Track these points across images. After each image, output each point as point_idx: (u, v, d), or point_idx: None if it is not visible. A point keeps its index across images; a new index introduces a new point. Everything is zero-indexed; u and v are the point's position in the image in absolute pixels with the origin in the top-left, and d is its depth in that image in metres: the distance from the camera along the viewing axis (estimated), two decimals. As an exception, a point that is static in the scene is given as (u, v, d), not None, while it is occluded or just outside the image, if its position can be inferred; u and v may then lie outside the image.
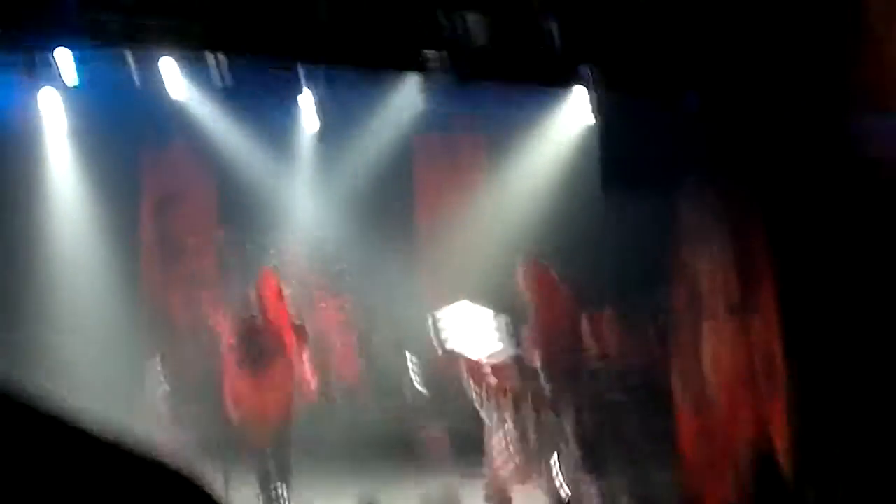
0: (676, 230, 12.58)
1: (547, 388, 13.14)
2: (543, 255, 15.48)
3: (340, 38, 10.91)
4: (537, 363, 13.27)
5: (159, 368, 15.74)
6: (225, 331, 13.66)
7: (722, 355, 12.24)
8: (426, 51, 10.94)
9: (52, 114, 15.06)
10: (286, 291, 13.47)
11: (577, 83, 11.65)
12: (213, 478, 10.19)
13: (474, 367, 13.60)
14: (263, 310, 13.05)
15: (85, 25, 11.51)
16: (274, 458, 13.00)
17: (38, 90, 14.43)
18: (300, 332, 13.11)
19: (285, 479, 12.90)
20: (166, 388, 15.77)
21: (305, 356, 12.99)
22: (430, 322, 14.13)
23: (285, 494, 11.64)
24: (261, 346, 12.99)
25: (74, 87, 13.92)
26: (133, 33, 11.37)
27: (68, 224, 16.29)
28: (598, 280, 15.15)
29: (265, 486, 12.90)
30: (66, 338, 16.08)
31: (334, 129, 14.78)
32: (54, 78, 13.65)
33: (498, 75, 11.00)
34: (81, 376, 15.68)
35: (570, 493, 12.57)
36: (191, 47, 12.19)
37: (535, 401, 13.25)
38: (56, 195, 16.24)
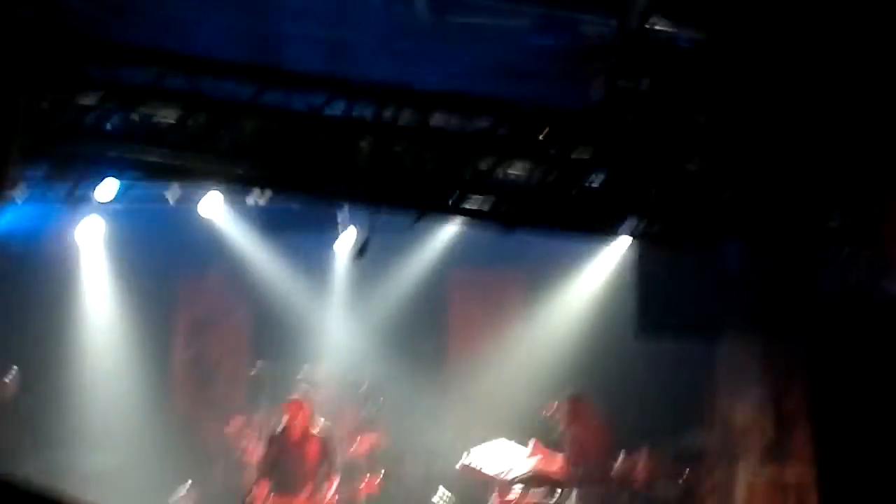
0: (713, 376, 12.55)
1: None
2: (576, 394, 15.52)
3: (383, 180, 10.94)
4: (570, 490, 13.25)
5: (188, 492, 15.69)
6: (254, 456, 13.63)
7: (755, 500, 12.16)
8: (470, 196, 10.96)
9: (93, 241, 15.07)
10: (318, 422, 13.45)
11: (619, 231, 11.64)
12: None
13: (504, 487, 13.55)
14: (293, 437, 13.04)
15: (129, 159, 11.56)
16: None
17: (80, 218, 14.39)
18: (328, 459, 13.07)
19: None
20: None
21: (333, 484, 12.93)
22: (465, 457, 14.07)
23: None
24: (289, 471, 12.96)
25: (115, 215, 13.95)
26: (176, 169, 11.44)
27: (104, 346, 16.48)
28: (630, 420, 15.16)
29: None
30: (98, 457, 16.07)
31: (372, 264, 14.80)
32: (96, 208, 13.70)
33: (541, 222, 10.99)
34: (112, 497, 15.70)
35: None
36: (232, 184, 12.25)
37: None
38: (93, 318, 16.38)
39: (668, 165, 10.67)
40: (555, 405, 15.76)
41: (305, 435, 13.13)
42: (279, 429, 13.29)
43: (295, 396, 13.57)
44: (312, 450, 13.09)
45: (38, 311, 15.96)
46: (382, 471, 13.80)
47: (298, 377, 16.06)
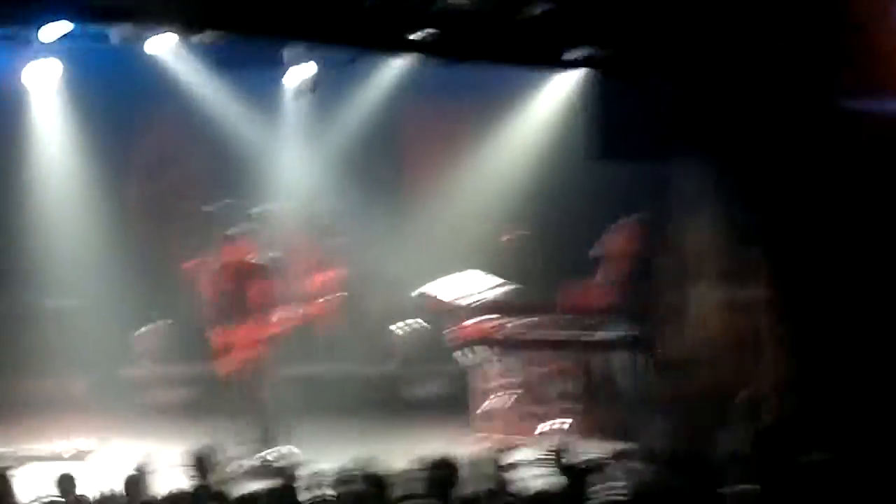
0: (666, 200, 12.64)
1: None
2: (529, 224, 15.61)
3: (330, 17, 10.86)
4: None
5: (149, 331, 15.80)
6: (207, 291, 13.70)
7: (708, 320, 12.35)
8: (416, 31, 10.88)
9: (42, 83, 14.90)
10: (265, 257, 13.48)
11: (565, 64, 11.64)
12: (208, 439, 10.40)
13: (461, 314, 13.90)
14: (230, 272, 13.11)
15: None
16: (270, 416, 13.16)
17: (26, 61, 14.20)
18: (270, 290, 13.12)
19: (281, 436, 13.03)
20: (157, 350, 15.89)
21: (276, 314, 12.99)
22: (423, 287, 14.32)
23: (285, 452, 11.71)
24: (231, 305, 13.05)
25: (62, 57, 13.80)
26: (125, 11, 11.29)
27: (59, 188, 16.32)
28: (584, 246, 15.27)
29: (263, 444, 12.99)
30: (58, 299, 16.14)
31: (324, 99, 14.75)
32: (41, 49, 13.53)
33: (485, 56, 10.94)
34: (72, 341, 15.81)
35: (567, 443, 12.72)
36: (180, 24, 12.12)
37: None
38: (47, 159, 16.26)
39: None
40: (512, 233, 15.94)
41: (243, 269, 13.15)
42: (217, 266, 13.32)
43: (229, 233, 13.54)
44: (254, 283, 13.12)
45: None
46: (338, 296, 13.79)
47: (256, 211, 16.03)
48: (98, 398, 15.79)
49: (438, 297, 14.22)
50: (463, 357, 14.21)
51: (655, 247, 13.34)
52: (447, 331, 14.30)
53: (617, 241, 13.78)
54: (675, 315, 12.76)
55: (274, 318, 13.00)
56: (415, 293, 14.52)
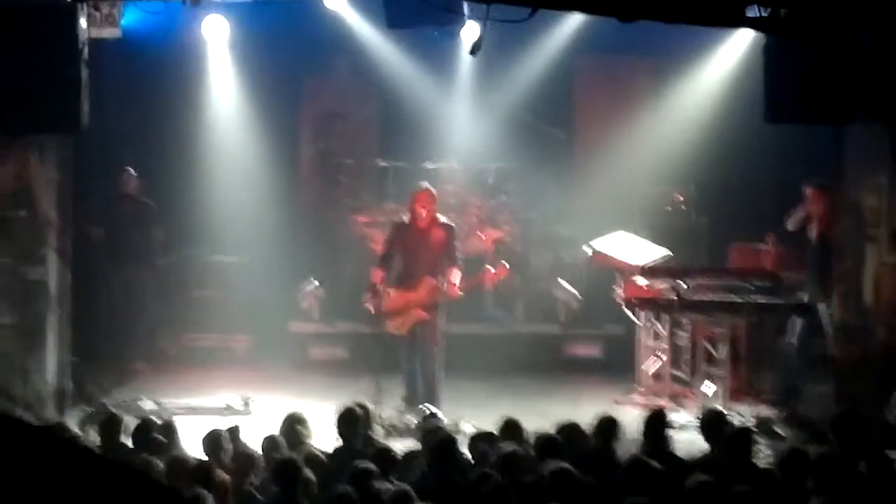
0: (841, 163, 12.42)
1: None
2: (701, 185, 15.78)
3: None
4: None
5: (316, 286, 15.89)
6: (379, 248, 13.74)
7: (883, 283, 12.11)
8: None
9: (217, 38, 15.08)
10: (445, 215, 13.47)
11: (744, 22, 11.41)
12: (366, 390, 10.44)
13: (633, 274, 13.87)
14: (419, 226, 13.07)
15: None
16: (424, 371, 13.19)
17: (202, 15, 14.35)
18: (450, 250, 13.07)
19: (435, 394, 13.08)
20: (320, 303, 15.97)
21: (453, 275, 12.94)
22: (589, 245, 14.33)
23: (434, 409, 11.72)
24: (411, 261, 13.03)
25: (237, 10, 13.96)
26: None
27: (230, 145, 16.56)
28: (756, 209, 15.11)
29: (413, 400, 13.06)
30: (225, 255, 16.32)
31: (496, 55, 14.65)
32: (216, 4, 13.65)
33: (662, 15, 10.74)
34: (239, 296, 16.00)
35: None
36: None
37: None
38: (219, 115, 16.46)
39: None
40: (679, 197, 15.77)
41: (430, 224, 13.12)
42: (406, 217, 13.27)
43: (423, 184, 13.53)
44: (436, 240, 13.10)
45: (164, 109, 16.12)
46: (506, 262, 13.75)
47: (427, 167, 16.04)
48: (261, 353, 15.93)
49: (608, 254, 14.09)
50: (629, 317, 14.11)
51: (833, 212, 13.07)
52: (615, 288, 14.10)
53: (802, 206, 13.45)
54: (849, 279, 12.49)
55: (448, 280, 12.97)
56: (585, 247, 14.32)
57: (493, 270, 13.42)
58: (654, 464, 8.08)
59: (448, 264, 13.05)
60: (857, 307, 12.48)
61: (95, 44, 11.87)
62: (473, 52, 11.28)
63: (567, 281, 15.98)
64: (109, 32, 12.47)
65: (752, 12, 11.27)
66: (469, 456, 9.18)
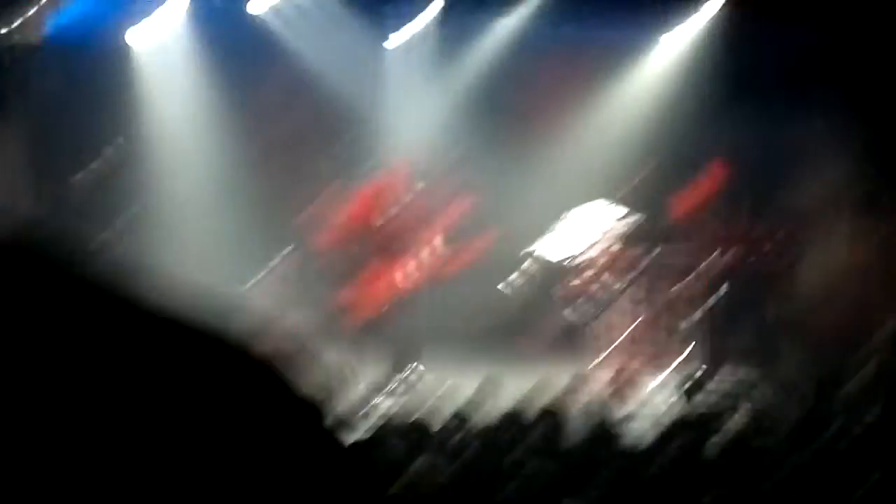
0: (805, 138, 11.91)
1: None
2: (665, 160, 15.29)
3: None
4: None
5: (263, 282, 15.42)
6: (350, 227, 13.23)
7: (849, 249, 11.77)
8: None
9: (150, 42, 14.81)
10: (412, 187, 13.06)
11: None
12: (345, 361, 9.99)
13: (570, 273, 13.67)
14: (390, 202, 12.62)
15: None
16: (402, 339, 12.94)
17: (134, 19, 13.94)
18: (428, 222, 12.66)
19: (415, 358, 12.85)
20: (293, 274, 15.43)
21: (436, 247, 12.52)
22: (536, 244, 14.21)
23: (415, 373, 11.77)
24: (389, 236, 12.58)
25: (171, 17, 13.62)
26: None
27: (170, 148, 15.98)
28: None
29: (397, 366, 12.75)
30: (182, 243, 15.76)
31: (444, 48, 14.22)
32: (151, 9, 13.29)
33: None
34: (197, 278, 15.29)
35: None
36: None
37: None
38: (156, 119, 15.84)
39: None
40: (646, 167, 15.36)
41: (402, 199, 12.69)
42: (378, 194, 12.80)
43: (393, 161, 13.07)
44: (412, 214, 12.67)
45: (99, 120, 15.33)
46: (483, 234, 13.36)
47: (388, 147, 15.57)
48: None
49: (546, 258, 13.83)
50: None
51: (787, 182, 12.90)
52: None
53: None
54: (812, 247, 12.15)
55: (433, 255, 12.57)
56: (523, 252, 14.15)
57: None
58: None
59: (428, 237, 12.69)
60: (819, 276, 12.25)
61: (16, 50, 11.35)
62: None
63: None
64: (29, 38, 11.95)
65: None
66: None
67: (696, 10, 13.63)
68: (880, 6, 11.25)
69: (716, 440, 7.52)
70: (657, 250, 13.20)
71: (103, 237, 15.24)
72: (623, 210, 13.92)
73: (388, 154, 15.86)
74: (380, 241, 12.75)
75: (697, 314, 12.95)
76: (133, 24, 14.14)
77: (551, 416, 8.70)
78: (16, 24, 11.51)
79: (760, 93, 12.24)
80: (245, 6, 13.81)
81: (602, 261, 13.51)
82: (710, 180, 13.50)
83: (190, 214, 15.94)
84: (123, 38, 14.53)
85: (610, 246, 13.41)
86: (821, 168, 12.18)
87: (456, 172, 16.02)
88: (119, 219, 15.61)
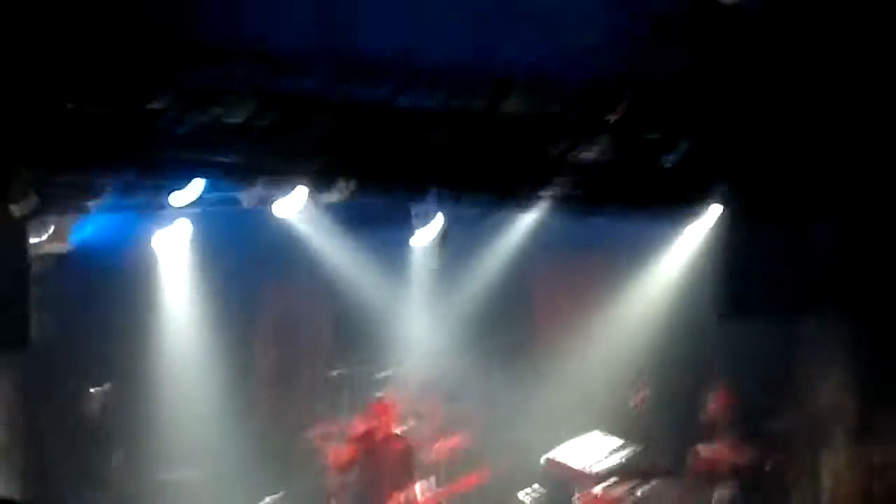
0: (797, 359, 12.27)
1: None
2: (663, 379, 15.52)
3: (457, 169, 10.64)
4: None
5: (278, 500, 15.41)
6: (338, 460, 13.31)
7: (841, 480, 11.88)
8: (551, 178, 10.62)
9: (172, 248, 15.17)
10: (406, 422, 13.12)
11: (703, 209, 11.35)
12: None
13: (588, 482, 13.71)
14: (378, 438, 12.71)
15: (203, 161, 11.31)
16: None
17: (156, 226, 14.17)
18: (412, 461, 12.73)
19: None
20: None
21: (416, 487, 12.58)
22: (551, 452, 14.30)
23: None
24: (374, 473, 12.65)
25: (192, 221, 13.74)
26: (251, 170, 11.17)
27: (184, 357, 16.39)
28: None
29: None
30: (185, 471, 15.88)
31: (451, 257, 14.46)
32: (173, 214, 13.48)
33: (620, 201, 10.64)
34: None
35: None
36: (305, 181, 11.98)
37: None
38: (175, 328, 16.33)
39: (753, 138, 10.27)
40: (640, 395, 15.51)
41: (390, 436, 12.81)
42: (363, 430, 12.92)
43: (381, 396, 13.19)
44: (397, 451, 12.75)
45: (119, 323, 15.86)
46: (476, 471, 13.39)
47: (382, 376, 15.68)
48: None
49: (565, 463, 13.71)
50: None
51: (785, 406, 13.02)
52: (575, 498, 13.94)
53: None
54: (806, 475, 12.25)
55: (417, 495, 12.62)
56: (542, 458, 13.95)
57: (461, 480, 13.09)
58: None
59: (408, 480, 12.72)
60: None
61: (46, 259, 11.64)
62: (442, 245, 11.12)
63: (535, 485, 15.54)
64: (58, 248, 12.27)
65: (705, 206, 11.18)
66: None
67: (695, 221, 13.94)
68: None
69: None
70: (652, 484, 13.26)
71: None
72: (617, 442, 14.05)
73: (396, 367, 16.24)
74: (373, 470, 12.83)
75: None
76: (156, 231, 14.40)
77: None
78: (46, 236, 11.91)
79: (759, 306, 12.34)
80: (270, 209, 14.01)
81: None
82: (712, 408, 13.59)
83: (197, 430, 16.15)
84: (147, 247, 14.84)
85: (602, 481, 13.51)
86: (814, 394, 12.31)
87: (453, 393, 16.30)
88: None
